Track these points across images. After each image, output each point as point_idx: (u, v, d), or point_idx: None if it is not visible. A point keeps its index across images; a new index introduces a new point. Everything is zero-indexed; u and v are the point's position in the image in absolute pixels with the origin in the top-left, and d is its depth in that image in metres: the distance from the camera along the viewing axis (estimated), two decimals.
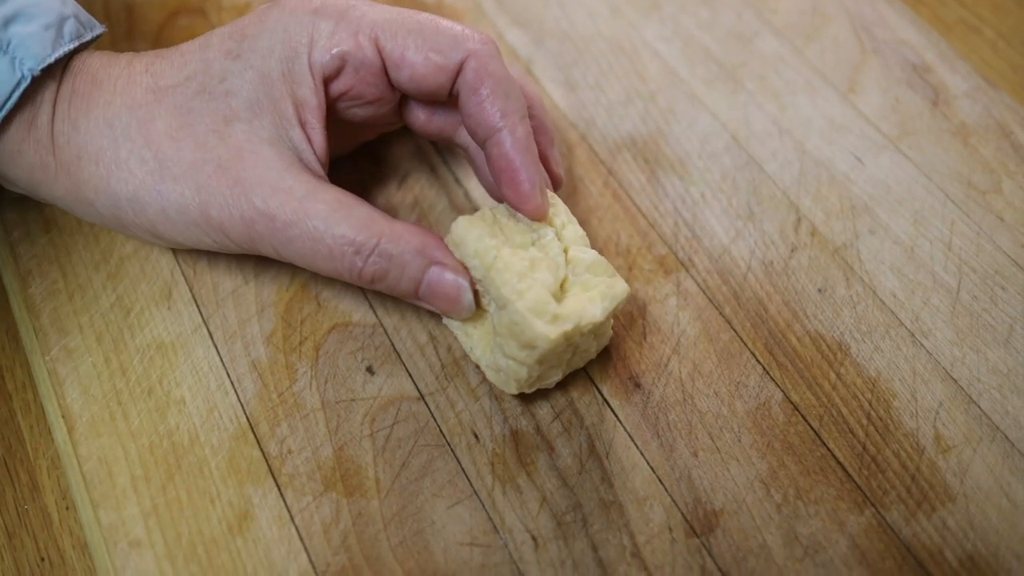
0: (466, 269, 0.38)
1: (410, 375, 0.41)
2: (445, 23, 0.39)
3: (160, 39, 0.52)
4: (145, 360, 0.41)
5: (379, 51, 0.38)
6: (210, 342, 0.42)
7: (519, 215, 0.38)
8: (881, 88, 0.49)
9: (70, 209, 0.40)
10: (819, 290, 0.43)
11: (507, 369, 0.37)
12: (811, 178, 0.46)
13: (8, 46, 0.37)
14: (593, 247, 0.44)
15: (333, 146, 0.41)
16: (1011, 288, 0.42)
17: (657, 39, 0.52)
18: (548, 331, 0.35)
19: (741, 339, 0.41)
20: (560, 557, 0.36)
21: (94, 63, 0.40)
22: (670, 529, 0.37)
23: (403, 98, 0.42)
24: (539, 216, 0.38)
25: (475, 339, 0.39)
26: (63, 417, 0.40)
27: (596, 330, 0.38)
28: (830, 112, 0.48)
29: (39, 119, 0.38)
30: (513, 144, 0.38)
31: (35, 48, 0.38)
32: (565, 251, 0.38)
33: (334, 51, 0.38)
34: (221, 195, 0.38)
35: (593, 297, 0.37)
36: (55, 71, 0.39)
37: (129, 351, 0.42)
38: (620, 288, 0.37)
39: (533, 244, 0.38)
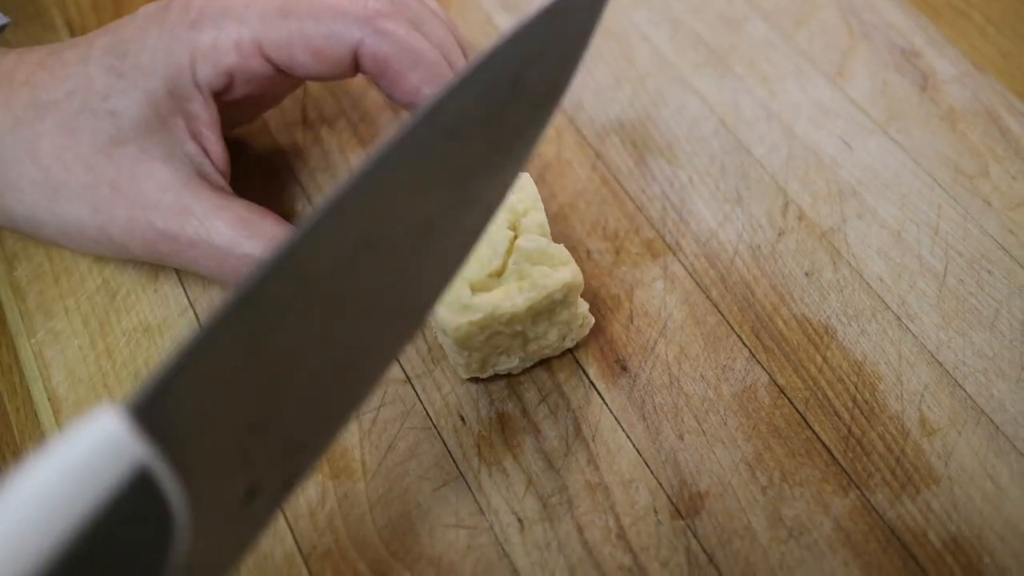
0: None
1: (396, 358, 0.41)
2: (327, 5, 0.37)
3: None
4: (131, 343, 0.41)
5: (267, 59, 0.37)
6: (196, 325, 0.42)
7: None
8: (869, 73, 0.49)
9: None
10: (806, 274, 0.43)
11: (448, 353, 0.38)
12: (799, 162, 0.46)
13: None
14: (580, 230, 0.44)
15: (246, 117, 0.41)
16: (997, 272, 0.42)
17: (646, 23, 0.52)
18: (452, 319, 0.36)
19: (728, 322, 0.41)
20: (546, 539, 0.36)
21: None
22: (655, 511, 0.37)
23: None
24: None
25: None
26: (49, 400, 0.40)
27: (549, 317, 0.38)
28: (818, 96, 0.48)
29: None
30: (413, 75, 0.37)
31: None
32: (513, 239, 0.38)
33: (219, 68, 0.37)
34: (120, 217, 0.37)
35: (522, 287, 0.37)
36: None
37: (115, 334, 0.41)
38: (555, 279, 0.37)
39: None
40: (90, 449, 0.19)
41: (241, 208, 0.37)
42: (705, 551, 0.36)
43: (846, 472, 0.38)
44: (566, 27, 0.28)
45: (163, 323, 0.42)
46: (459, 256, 0.29)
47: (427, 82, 0.37)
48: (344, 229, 0.24)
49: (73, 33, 0.52)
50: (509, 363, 0.39)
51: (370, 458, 0.38)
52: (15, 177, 0.37)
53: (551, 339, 0.39)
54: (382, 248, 0.26)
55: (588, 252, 0.43)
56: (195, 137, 0.38)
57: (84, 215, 0.37)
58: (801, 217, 0.44)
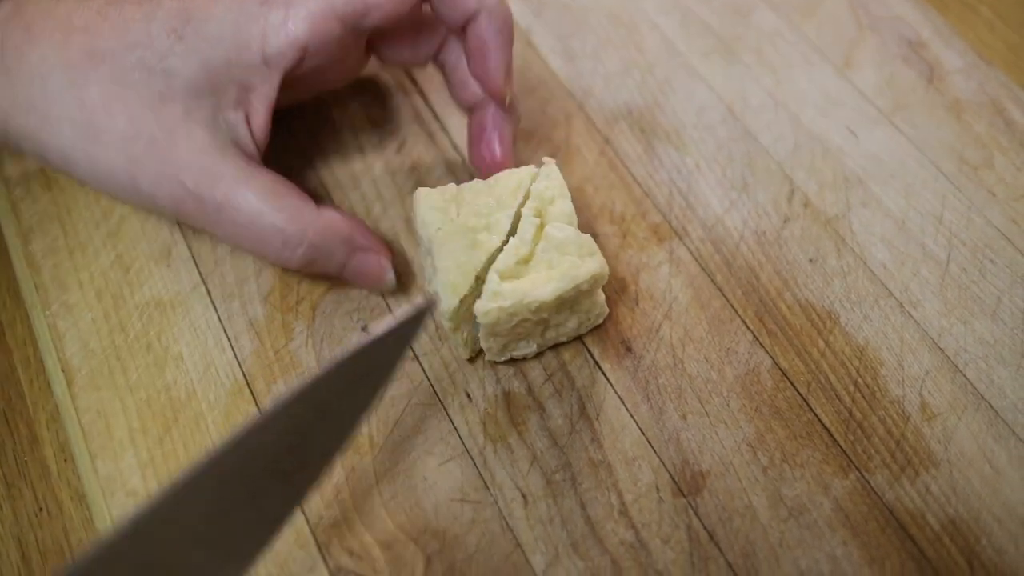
0: (390, 249, 0.41)
1: None
2: None
3: None
4: (144, 317, 0.42)
5: (340, 21, 0.38)
6: (208, 300, 0.42)
7: (487, 195, 0.39)
8: (876, 63, 0.50)
9: None
10: (810, 260, 0.43)
11: (455, 338, 0.40)
12: (805, 151, 0.47)
13: None
14: (588, 215, 0.44)
15: (305, 94, 0.42)
16: (1000, 261, 0.43)
17: (656, 11, 0.52)
18: (482, 305, 0.37)
19: (732, 306, 0.42)
20: (549, 514, 0.37)
21: (29, 8, 0.39)
22: (657, 489, 0.37)
23: (369, 40, 0.42)
24: (499, 97, 0.41)
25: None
26: (63, 371, 0.41)
27: (572, 306, 0.39)
28: (825, 86, 0.49)
29: None
30: (488, 25, 0.39)
31: None
32: (541, 227, 0.38)
33: (292, 42, 0.38)
34: (152, 170, 0.37)
35: (551, 276, 0.37)
36: None
37: (128, 307, 0.42)
38: (584, 270, 0.37)
39: (486, 228, 0.38)
40: None
41: (269, 180, 0.38)
42: (706, 529, 0.37)
43: (846, 454, 0.38)
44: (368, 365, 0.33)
45: (175, 298, 0.42)
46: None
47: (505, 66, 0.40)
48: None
49: None
50: (527, 348, 0.40)
51: (377, 433, 0.39)
52: (57, 113, 0.38)
53: (569, 327, 0.40)
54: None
55: (595, 236, 0.44)
56: (242, 106, 0.39)
57: (118, 163, 0.37)
58: (807, 204, 0.45)
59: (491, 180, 0.40)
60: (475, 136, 0.43)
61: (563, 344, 0.41)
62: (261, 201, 0.37)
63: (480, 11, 0.39)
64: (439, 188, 0.40)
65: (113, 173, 0.38)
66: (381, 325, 0.32)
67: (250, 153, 0.39)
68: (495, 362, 0.40)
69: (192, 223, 0.39)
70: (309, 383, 0.31)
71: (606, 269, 0.38)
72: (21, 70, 0.38)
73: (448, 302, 0.37)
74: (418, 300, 0.37)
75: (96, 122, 0.37)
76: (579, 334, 0.41)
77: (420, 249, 0.42)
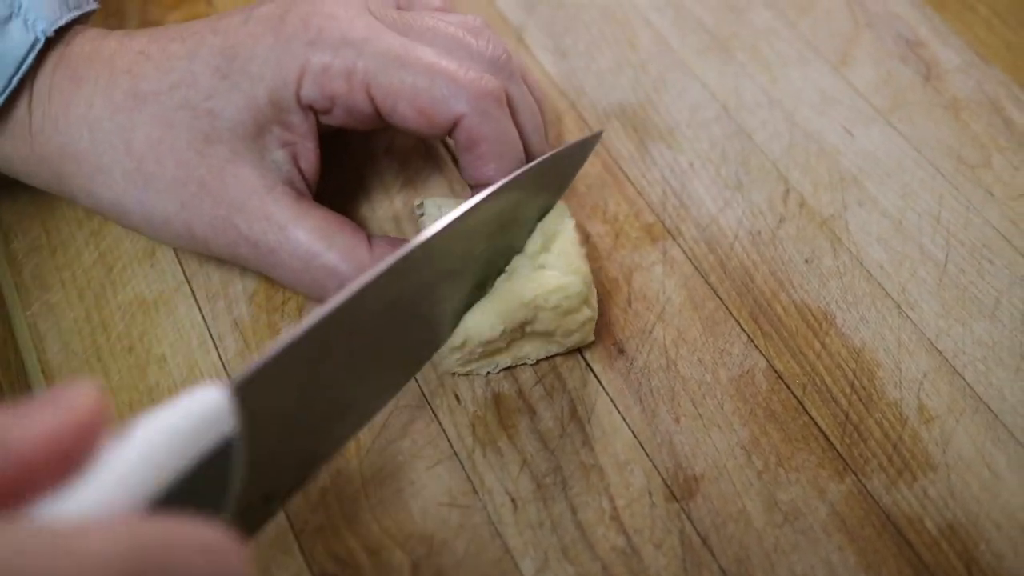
0: None
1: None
2: (442, 68, 0.36)
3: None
4: (127, 317, 0.41)
5: (370, 99, 0.37)
6: (192, 300, 0.41)
7: None
8: (873, 61, 0.49)
9: (53, 192, 0.40)
10: (806, 260, 0.42)
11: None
12: (800, 149, 0.46)
13: (20, 8, 0.37)
14: (579, 214, 0.44)
15: (331, 131, 0.40)
16: (998, 262, 0.42)
17: (649, 8, 0.52)
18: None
19: (726, 307, 0.41)
20: (539, 519, 0.36)
21: (74, 53, 0.38)
22: (650, 493, 0.37)
23: None
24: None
25: None
26: (43, 372, 0.40)
27: (542, 334, 0.38)
28: (821, 84, 0.48)
29: (16, 112, 0.38)
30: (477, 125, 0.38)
31: (45, 10, 0.37)
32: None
33: (324, 91, 0.37)
34: (205, 215, 0.37)
35: (495, 309, 0.37)
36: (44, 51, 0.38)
37: (111, 307, 0.41)
38: (573, 339, 0.39)
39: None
40: (197, 417, 0.24)
41: (320, 218, 0.37)
42: (699, 534, 0.36)
43: (843, 458, 0.37)
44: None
45: (159, 297, 0.41)
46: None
47: (501, 173, 0.37)
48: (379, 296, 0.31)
49: None
50: (489, 366, 0.39)
51: (363, 435, 0.38)
52: (108, 163, 0.37)
53: (551, 348, 0.40)
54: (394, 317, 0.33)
55: (588, 236, 0.43)
56: (287, 145, 0.38)
57: (171, 209, 0.37)
58: (802, 204, 0.44)
59: None
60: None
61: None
62: (313, 241, 0.37)
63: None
64: (451, 200, 0.40)
65: (168, 220, 0.37)
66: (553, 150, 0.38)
67: (300, 191, 0.38)
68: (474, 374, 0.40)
69: (251, 267, 0.38)
70: (470, 209, 0.34)
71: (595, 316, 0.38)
72: (69, 120, 0.37)
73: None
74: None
75: (145, 168, 0.37)
76: (553, 352, 0.40)
77: None
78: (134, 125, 0.37)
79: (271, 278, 0.39)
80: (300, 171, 0.38)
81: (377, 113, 0.37)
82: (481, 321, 0.37)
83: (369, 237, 0.38)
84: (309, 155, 0.38)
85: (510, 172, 0.37)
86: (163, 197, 0.37)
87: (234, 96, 0.37)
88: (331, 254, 0.37)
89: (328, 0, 0.37)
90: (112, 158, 0.37)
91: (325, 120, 0.38)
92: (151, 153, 0.37)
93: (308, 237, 0.37)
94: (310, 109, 0.37)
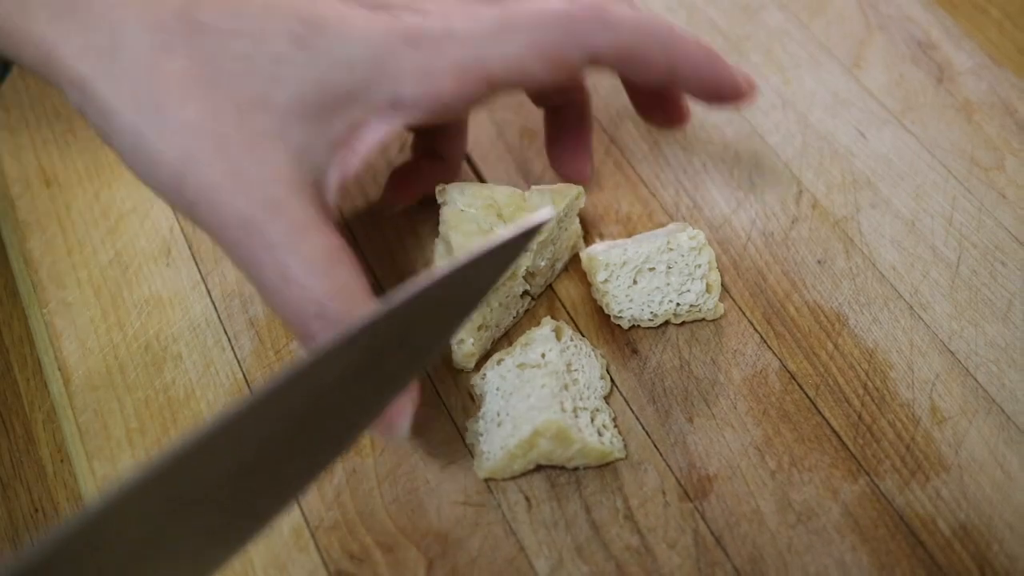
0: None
1: None
2: (545, 10, 0.33)
3: None
4: (143, 315, 0.41)
5: (488, 80, 0.33)
6: (208, 299, 0.42)
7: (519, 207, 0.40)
8: (886, 63, 0.49)
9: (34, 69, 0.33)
10: (819, 261, 0.43)
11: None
12: (813, 151, 0.46)
13: None
14: (594, 215, 0.44)
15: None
16: (1011, 264, 0.42)
17: (663, 9, 0.52)
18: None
19: (739, 308, 0.41)
20: (553, 518, 0.36)
21: None
22: (663, 493, 0.37)
23: None
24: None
25: None
26: (60, 370, 0.40)
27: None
28: (834, 86, 0.48)
29: None
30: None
31: None
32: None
33: (430, 94, 0.33)
34: (206, 178, 0.31)
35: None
36: None
37: (127, 306, 0.41)
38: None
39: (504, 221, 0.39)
40: None
41: (332, 241, 0.32)
42: (713, 533, 0.36)
43: (856, 458, 0.37)
44: (463, 288, 0.29)
45: (175, 296, 0.42)
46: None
47: (671, 57, 0.34)
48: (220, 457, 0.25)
49: None
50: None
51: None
52: (119, 73, 0.31)
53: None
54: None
55: (601, 236, 0.43)
56: (341, 147, 0.33)
57: (170, 155, 0.31)
58: (815, 205, 0.44)
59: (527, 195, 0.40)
60: (561, 145, 0.43)
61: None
62: (315, 260, 0.31)
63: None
64: (485, 186, 0.41)
65: (158, 163, 0.31)
66: (480, 243, 0.29)
67: (325, 203, 0.33)
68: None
69: (223, 247, 0.32)
70: (393, 306, 0.27)
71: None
72: (92, 8, 0.31)
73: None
74: (534, 216, 0.30)
75: (164, 99, 0.31)
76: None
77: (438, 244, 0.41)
78: (172, 48, 0.31)
79: (238, 268, 0.33)
80: (336, 181, 0.33)
81: (491, 92, 0.34)
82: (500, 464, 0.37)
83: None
84: (354, 162, 0.33)
85: (676, 51, 0.34)
86: (167, 137, 0.31)
87: (308, 71, 0.32)
88: (324, 281, 0.31)
89: None
90: (125, 70, 0.31)
91: (422, 124, 0.34)
92: (179, 86, 0.31)
93: (312, 254, 0.32)
94: (405, 115, 0.33)
